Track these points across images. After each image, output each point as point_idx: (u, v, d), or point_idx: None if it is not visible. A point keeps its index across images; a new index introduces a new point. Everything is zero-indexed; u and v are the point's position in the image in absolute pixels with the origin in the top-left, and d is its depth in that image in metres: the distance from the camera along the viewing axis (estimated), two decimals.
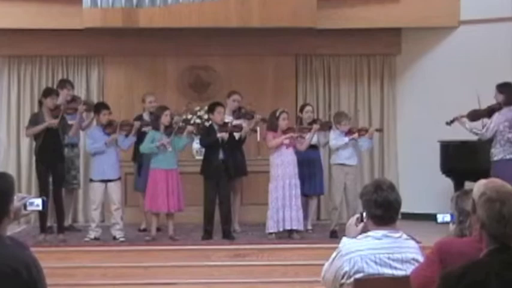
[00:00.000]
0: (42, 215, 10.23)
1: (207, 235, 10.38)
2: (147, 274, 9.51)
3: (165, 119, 10.42)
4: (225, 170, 10.45)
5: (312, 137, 10.73)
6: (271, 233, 10.36)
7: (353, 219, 4.61)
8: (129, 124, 10.67)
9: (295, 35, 12.35)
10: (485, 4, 12.09)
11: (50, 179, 10.38)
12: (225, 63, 12.81)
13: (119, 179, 10.62)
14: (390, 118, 12.96)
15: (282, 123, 10.38)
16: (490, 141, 10.30)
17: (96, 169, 10.51)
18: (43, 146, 10.34)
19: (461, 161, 11.22)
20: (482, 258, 3.31)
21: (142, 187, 10.96)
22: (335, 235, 10.37)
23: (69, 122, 10.65)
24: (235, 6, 11.54)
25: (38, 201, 3.90)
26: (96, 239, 10.41)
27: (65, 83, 11.47)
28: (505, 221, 3.29)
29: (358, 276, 4.30)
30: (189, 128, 10.68)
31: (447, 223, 4.70)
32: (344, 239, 4.46)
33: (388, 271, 4.33)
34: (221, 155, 10.44)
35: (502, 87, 10.29)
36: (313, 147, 11.10)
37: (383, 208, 4.35)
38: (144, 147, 10.44)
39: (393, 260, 4.34)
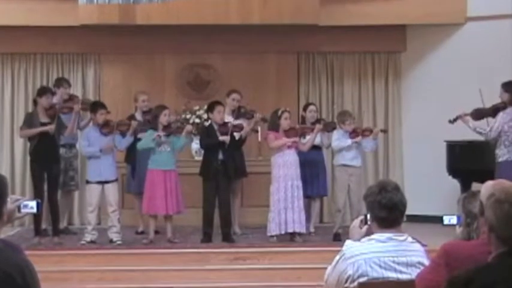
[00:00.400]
0: (36, 217, 10.15)
1: (207, 238, 10.30)
2: (145, 278, 9.41)
3: (163, 119, 10.34)
4: (225, 171, 10.37)
5: (315, 138, 10.63)
6: (272, 236, 10.30)
7: (357, 222, 4.59)
8: (126, 124, 10.59)
9: (297, 32, 12.29)
10: (493, 0, 12.03)
11: (45, 181, 10.29)
12: (225, 61, 12.77)
13: (116, 180, 10.53)
14: (395, 117, 12.92)
15: (284, 122, 10.31)
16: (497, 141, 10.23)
17: (93, 170, 10.43)
18: (38, 146, 10.27)
19: (469, 161, 11.17)
20: (491, 261, 3.25)
21: (136, 189, 11.01)
22: (338, 238, 10.33)
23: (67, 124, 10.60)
24: (235, 2, 11.55)
25: (32, 204, 3.87)
26: (92, 242, 10.34)
27: (61, 81, 11.45)
28: None
29: (362, 280, 4.27)
30: (188, 127, 10.63)
31: (454, 225, 4.66)
32: (347, 242, 4.43)
33: (392, 275, 4.29)
34: (221, 156, 10.36)
35: (508, 86, 10.25)
36: (317, 148, 11.03)
37: (388, 210, 4.32)
38: (142, 143, 10.36)
39: (398, 263, 4.31)
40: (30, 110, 11.35)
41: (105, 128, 10.35)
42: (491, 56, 11.83)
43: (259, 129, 11.33)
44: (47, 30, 12.01)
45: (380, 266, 4.27)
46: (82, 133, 11.08)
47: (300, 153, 10.42)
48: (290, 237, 10.30)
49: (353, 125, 10.73)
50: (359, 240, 4.41)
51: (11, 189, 3.75)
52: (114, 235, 10.28)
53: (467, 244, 4.26)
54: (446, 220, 4.64)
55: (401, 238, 4.35)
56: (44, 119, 10.23)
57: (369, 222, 4.45)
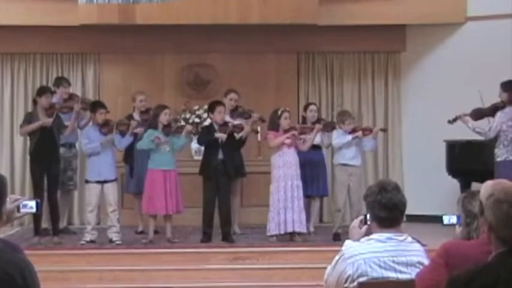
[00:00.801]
0: (36, 217, 10.13)
1: (206, 238, 10.28)
2: (145, 278, 9.40)
3: (163, 118, 10.31)
4: (225, 170, 10.33)
5: (315, 137, 10.61)
6: (272, 236, 10.28)
7: (356, 222, 4.58)
8: (125, 123, 10.57)
9: (297, 32, 12.28)
10: (492, 0, 12.01)
11: (45, 180, 10.26)
12: (224, 60, 12.75)
13: (116, 180, 10.50)
14: (395, 117, 12.89)
15: (284, 122, 10.29)
16: (496, 141, 10.22)
17: (92, 170, 10.40)
18: (38, 146, 10.25)
19: (468, 161, 11.15)
20: (491, 261, 3.24)
21: (135, 189, 10.97)
22: (338, 238, 10.30)
23: (66, 123, 10.56)
24: (235, 2, 11.53)
25: (32, 204, 3.84)
26: (92, 241, 10.31)
27: (61, 80, 11.42)
28: None
29: (361, 279, 4.26)
30: (188, 127, 10.60)
31: (453, 225, 4.64)
32: (347, 242, 4.42)
33: (392, 275, 4.28)
34: (221, 155, 10.32)
35: (506, 86, 10.26)
36: (317, 148, 11.03)
37: (387, 210, 4.31)
38: (141, 144, 10.32)
39: (398, 263, 4.30)
40: (30, 109, 11.32)
41: (105, 127, 10.32)
42: (490, 55, 11.80)
43: (259, 129, 11.32)
44: (47, 30, 11.99)
45: (380, 266, 4.26)
46: (82, 132, 11.05)
47: (300, 153, 10.39)
48: (290, 237, 10.27)
49: (353, 125, 10.69)
50: (358, 240, 4.40)
51: (10, 189, 3.76)
52: (113, 235, 10.25)
53: (467, 244, 4.26)
54: (446, 220, 4.63)
55: (401, 238, 4.33)
56: (43, 118, 10.19)
57: (368, 222, 4.44)
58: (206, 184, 10.34)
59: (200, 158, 10.82)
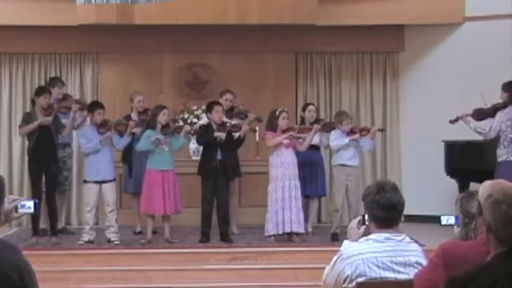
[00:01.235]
0: (34, 217, 10.13)
1: (205, 238, 10.27)
2: (143, 278, 9.38)
3: (162, 118, 10.29)
4: (223, 170, 10.31)
5: (313, 138, 10.58)
6: (270, 236, 10.26)
7: (354, 222, 4.59)
8: (123, 124, 10.54)
9: (295, 32, 12.26)
10: (491, 0, 12.00)
11: (43, 181, 10.25)
12: (223, 60, 12.75)
13: (114, 180, 10.49)
14: (393, 117, 12.88)
15: (282, 122, 10.28)
16: (496, 141, 10.20)
17: (90, 170, 10.37)
18: (36, 146, 10.22)
19: (467, 161, 11.16)
20: (489, 262, 3.24)
21: (133, 189, 10.96)
22: (336, 238, 10.29)
23: (63, 121, 10.57)
24: (234, 2, 11.52)
25: (30, 204, 3.80)
26: (90, 242, 10.27)
27: (55, 81, 11.37)
28: None
29: (360, 280, 4.28)
30: (187, 127, 10.58)
31: (451, 225, 4.64)
32: (345, 243, 4.44)
33: (390, 275, 4.30)
34: (219, 155, 10.30)
35: (507, 86, 10.26)
36: (315, 148, 11.02)
37: (385, 210, 4.33)
38: (140, 145, 10.29)
39: (396, 263, 4.32)
40: (28, 109, 11.29)
41: (103, 127, 10.29)
42: (489, 55, 11.79)
43: (257, 129, 11.31)
44: (45, 30, 11.97)
45: (378, 266, 4.27)
46: (79, 132, 11.04)
47: (298, 153, 10.37)
48: (288, 237, 10.24)
49: (350, 125, 10.68)
50: (357, 240, 4.41)
51: (8, 189, 3.75)
52: (112, 235, 10.24)
53: (466, 244, 4.25)
54: (444, 220, 4.63)
55: (399, 238, 4.35)
56: (42, 118, 10.16)
57: (366, 223, 4.45)
58: (204, 184, 10.30)
59: (198, 158, 10.80)
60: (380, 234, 4.34)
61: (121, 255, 9.84)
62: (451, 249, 4.16)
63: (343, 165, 10.53)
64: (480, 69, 11.74)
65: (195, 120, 11.92)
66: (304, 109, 11.19)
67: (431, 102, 12.26)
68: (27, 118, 10.35)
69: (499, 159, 10.01)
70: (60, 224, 11.15)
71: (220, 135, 10.23)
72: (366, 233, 4.44)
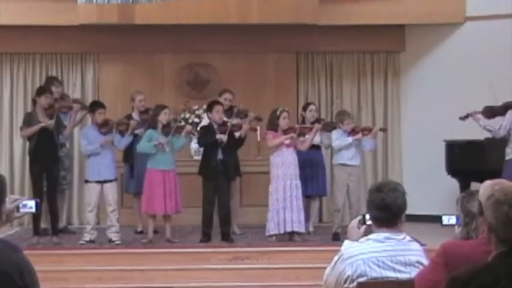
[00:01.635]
0: (35, 217, 10.11)
1: (206, 237, 10.27)
2: (144, 278, 9.39)
3: (163, 118, 10.28)
4: (224, 170, 10.30)
5: (314, 137, 10.56)
6: (271, 236, 10.26)
7: (355, 222, 4.59)
8: (125, 123, 10.53)
9: (296, 31, 12.25)
10: (492, 0, 11.99)
11: (44, 180, 10.23)
12: (224, 60, 12.73)
13: (115, 179, 10.48)
14: (394, 117, 12.87)
15: (283, 122, 10.28)
16: (498, 141, 10.21)
17: (92, 169, 10.37)
18: (37, 146, 10.21)
19: (468, 161, 11.14)
20: (490, 262, 3.23)
21: (135, 189, 10.96)
22: (337, 238, 10.29)
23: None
24: (235, 2, 11.51)
25: (31, 203, 3.80)
26: (91, 241, 10.29)
27: (52, 80, 11.33)
28: None
29: (361, 280, 4.27)
30: (188, 127, 10.55)
31: (453, 225, 4.62)
32: (346, 243, 4.43)
33: (391, 274, 4.29)
34: (220, 155, 10.30)
35: None
36: (316, 148, 11.01)
37: (379, 210, 4.33)
38: (142, 147, 10.27)
39: (396, 262, 4.31)
40: (29, 109, 11.28)
41: (104, 127, 10.29)
42: (490, 55, 11.78)
43: (258, 128, 11.28)
44: (46, 29, 11.96)
45: (378, 266, 4.27)
46: (81, 132, 11.03)
47: (299, 153, 10.37)
48: (289, 237, 10.24)
49: (352, 125, 10.67)
50: (357, 240, 4.41)
51: (10, 189, 3.75)
52: (113, 235, 10.24)
53: (466, 244, 4.24)
54: (446, 220, 4.61)
55: (400, 237, 4.34)
56: (43, 118, 10.15)
57: (367, 222, 4.44)
58: (205, 184, 10.30)
59: (199, 158, 10.79)
60: (380, 234, 4.33)
61: (122, 255, 9.85)
62: (452, 249, 4.17)
63: (344, 164, 10.53)
64: (481, 68, 11.73)
65: (196, 120, 11.92)
66: (305, 108, 11.18)
67: (432, 101, 12.24)
68: (29, 118, 10.34)
69: (507, 158, 9.97)
70: (61, 224, 11.14)
71: (222, 137, 10.21)
72: (367, 232, 4.43)
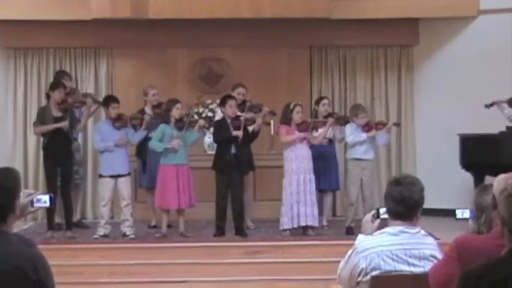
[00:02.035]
0: (49, 211, 10.12)
1: (219, 232, 10.26)
2: (158, 272, 9.39)
3: (176, 112, 10.26)
4: (238, 165, 10.29)
5: (327, 131, 10.54)
6: (285, 230, 10.24)
7: (369, 216, 4.60)
8: (138, 118, 10.53)
9: (309, 25, 12.21)
10: None
11: (58, 175, 10.25)
12: (237, 55, 12.71)
13: (129, 174, 10.49)
14: (408, 111, 12.83)
15: (296, 116, 10.24)
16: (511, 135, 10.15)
17: (106, 164, 10.39)
18: (51, 141, 10.24)
19: (482, 154, 11.07)
20: (504, 256, 3.20)
21: (148, 184, 10.95)
22: (351, 232, 10.28)
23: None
24: None
25: (46, 198, 3.84)
26: (105, 236, 10.31)
27: (62, 74, 11.32)
28: None
29: (374, 273, 4.29)
30: (201, 122, 10.54)
31: (466, 219, 4.59)
32: (360, 236, 4.44)
33: (405, 268, 4.31)
34: (233, 150, 10.29)
35: None
36: (329, 142, 10.98)
37: (395, 203, 4.33)
38: (153, 144, 10.26)
39: (410, 256, 4.33)
40: (43, 104, 11.29)
41: (118, 121, 10.30)
42: (503, 48, 11.75)
43: (271, 122, 11.28)
44: (60, 24, 11.94)
45: (392, 259, 4.28)
46: (95, 127, 11.05)
47: (312, 147, 10.35)
48: (303, 231, 10.23)
49: (366, 119, 10.65)
50: (371, 234, 4.41)
51: (24, 184, 3.76)
52: (127, 229, 10.25)
53: (480, 238, 4.23)
54: (459, 214, 4.58)
55: (414, 231, 4.34)
56: (56, 113, 10.18)
57: (381, 216, 4.44)
58: (219, 178, 10.29)
59: (213, 152, 10.79)
60: (394, 227, 4.34)
61: (136, 249, 9.86)
62: (466, 243, 4.16)
63: (357, 159, 10.52)
64: (494, 62, 11.70)
65: (210, 114, 11.91)
66: (318, 102, 11.15)
67: (445, 95, 12.21)
68: (42, 113, 10.34)
69: None
70: (75, 218, 11.17)
71: (239, 133, 10.19)
72: (380, 226, 4.43)
